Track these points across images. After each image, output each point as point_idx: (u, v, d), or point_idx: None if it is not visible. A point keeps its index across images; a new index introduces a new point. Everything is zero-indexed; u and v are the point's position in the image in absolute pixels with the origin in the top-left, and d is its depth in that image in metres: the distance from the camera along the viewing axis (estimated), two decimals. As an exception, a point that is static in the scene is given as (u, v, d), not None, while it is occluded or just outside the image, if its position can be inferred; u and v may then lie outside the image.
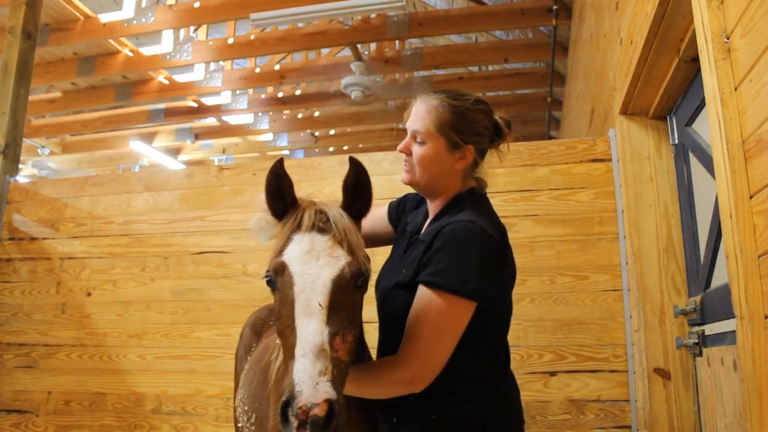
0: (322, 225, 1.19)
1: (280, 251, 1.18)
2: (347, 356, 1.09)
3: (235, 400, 1.95)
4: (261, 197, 1.25)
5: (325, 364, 1.02)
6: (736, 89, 1.26)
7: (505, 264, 1.33)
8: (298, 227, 1.19)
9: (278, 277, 1.16)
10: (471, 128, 1.40)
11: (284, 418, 0.98)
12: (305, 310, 1.09)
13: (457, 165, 1.40)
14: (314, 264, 1.14)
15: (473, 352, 1.32)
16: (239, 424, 1.79)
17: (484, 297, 1.25)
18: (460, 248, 1.25)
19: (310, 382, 0.99)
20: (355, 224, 1.24)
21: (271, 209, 1.25)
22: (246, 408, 1.71)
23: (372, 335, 1.46)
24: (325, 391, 0.98)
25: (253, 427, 1.64)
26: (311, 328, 1.06)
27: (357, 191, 1.27)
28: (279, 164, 1.22)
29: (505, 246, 1.34)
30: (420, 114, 1.43)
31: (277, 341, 1.61)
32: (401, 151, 1.46)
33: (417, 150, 1.42)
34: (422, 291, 1.26)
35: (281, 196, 1.24)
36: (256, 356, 1.86)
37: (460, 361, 1.29)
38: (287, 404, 0.98)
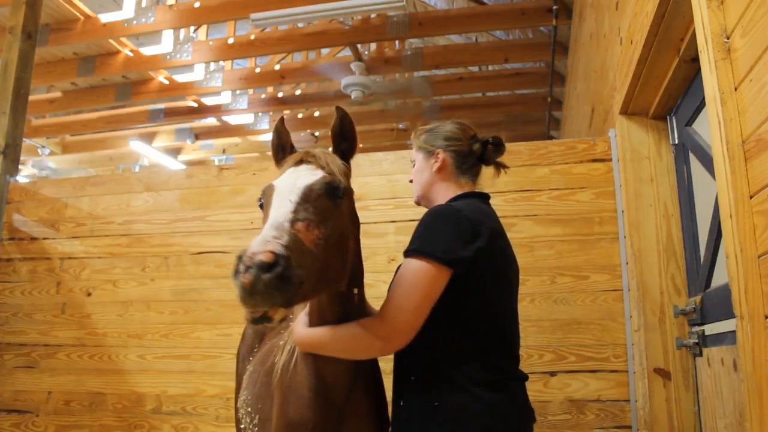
0: (309, 159, 1.35)
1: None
2: (310, 244, 1.13)
3: (237, 401, 1.95)
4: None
5: (280, 233, 1.07)
6: (736, 89, 1.26)
7: (478, 238, 1.40)
8: (290, 164, 1.37)
9: (265, 196, 1.30)
10: (438, 136, 1.65)
11: (236, 272, 1.01)
12: (277, 205, 1.20)
13: (434, 168, 1.63)
14: (294, 177, 1.29)
15: (458, 330, 1.40)
16: (242, 426, 1.79)
17: (453, 260, 1.35)
18: (429, 222, 1.42)
19: (261, 240, 1.04)
20: (344, 164, 1.38)
21: (275, 159, 1.46)
22: (249, 409, 1.72)
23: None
24: (273, 246, 1.02)
25: (256, 429, 1.65)
26: (278, 212, 1.17)
27: (342, 134, 1.43)
28: (280, 122, 1.46)
29: (479, 225, 1.42)
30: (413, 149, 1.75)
31: (281, 342, 1.63)
32: (411, 181, 1.73)
33: (412, 171, 1.72)
34: (402, 262, 1.41)
35: (282, 149, 1.46)
36: (259, 358, 1.87)
37: (446, 337, 1.40)
38: (240, 259, 1.02)
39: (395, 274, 1.53)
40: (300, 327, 1.45)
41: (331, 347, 1.38)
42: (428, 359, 1.40)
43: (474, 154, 1.63)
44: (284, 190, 1.24)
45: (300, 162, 1.35)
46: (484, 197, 1.59)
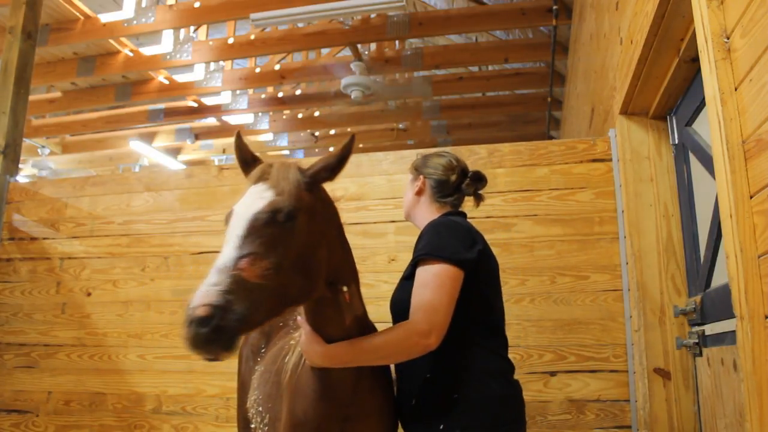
0: (266, 176, 1.34)
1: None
2: (257, 278, 1.15)
3: (247, 401, 1.97)
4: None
5: (221, 278, 1.12)
6: (736, 89, 1.26)
7: (476, 243, 1.57)
8: (251, 181, 1.36)
9: (227, 223, 1.30)
10: (426, 165, 1.81)
11: (184, 323, 1.08)
12: (227, 242, 1.21)
13: (415, 192, 1.79)
14: (246, 204, 1.28)
15: (467, 326, 1.52)
16: (252, 425, 1.81)
17: (462, 261, 1.49)
18: (434, 231, 1.57)
19: (203, 291, 1.10)
20: (301, 176, 1.34)
21: (243, 172, 1.45)
22: (260, 409, 1.75)
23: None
24: (210, 297, 1.08)
25: (266, 428, 1.67)
26: (223, 254, 1.18)
27: (337, 163, 1.39)
28: (237, 137, 1.47)
29: (474, 232, 1.62)
30: None
31: (292, 342, 1.64)
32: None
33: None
34: (417, 270, 1.50)
35: (246, 162, 1.45)
36: (270, 357, 1.88)
37: (458, 334, 1.48)
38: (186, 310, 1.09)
39: (400, 281, 1.65)
40: (316, 345, 1.41)
41: (368, 358, 1.43)
42: (443, 356, 1.48)
43: (452, 185, 1.76)
44: (236, 220, 1.25)
45: (259, 179, 1.34)
46: (464, 215, 1.76)
